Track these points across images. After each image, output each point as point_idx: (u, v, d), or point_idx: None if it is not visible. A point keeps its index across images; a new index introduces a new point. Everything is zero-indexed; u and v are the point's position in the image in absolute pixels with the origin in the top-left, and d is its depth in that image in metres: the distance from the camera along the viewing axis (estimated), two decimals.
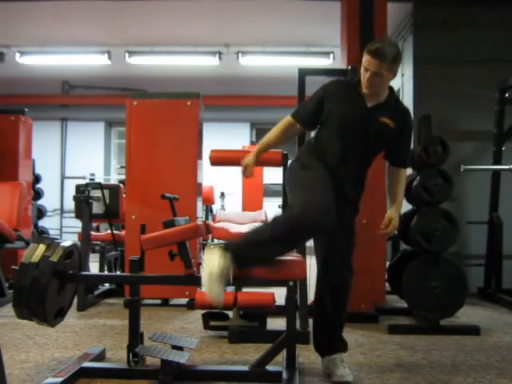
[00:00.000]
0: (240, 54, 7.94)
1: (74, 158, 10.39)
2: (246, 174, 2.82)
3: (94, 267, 5.19)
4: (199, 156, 4.58)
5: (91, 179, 9.21)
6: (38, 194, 7.94)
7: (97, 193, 4.96)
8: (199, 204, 4.62)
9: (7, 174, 5.31)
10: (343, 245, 2.72)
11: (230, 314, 3.53)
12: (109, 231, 5.24)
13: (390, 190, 2.88)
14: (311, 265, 3.08)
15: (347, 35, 4.87)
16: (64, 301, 2.68)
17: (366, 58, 2.55)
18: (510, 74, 4.95)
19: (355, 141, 2.64)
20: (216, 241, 7.31)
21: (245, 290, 3.74)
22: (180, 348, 2.72)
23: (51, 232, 9.23)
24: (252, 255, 2.48)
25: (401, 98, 6.20)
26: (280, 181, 4.02)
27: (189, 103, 4.53)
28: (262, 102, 9.51)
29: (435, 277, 3.73)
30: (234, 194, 8.88)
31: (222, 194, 9.33)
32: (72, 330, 3.65)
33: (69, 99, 10.15)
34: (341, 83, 2.79)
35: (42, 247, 2.54)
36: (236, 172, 4.35)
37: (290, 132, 2.80)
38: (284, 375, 2.55)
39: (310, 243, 3.72)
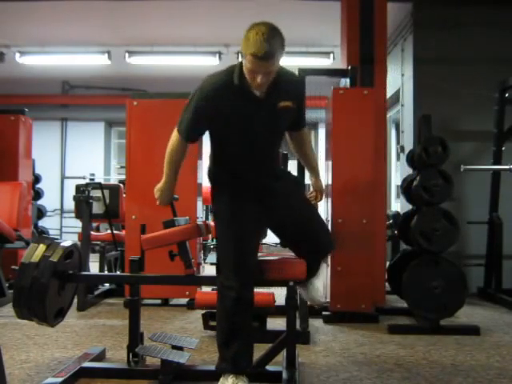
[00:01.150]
0: (240, 54, 7.93)
1: (74, 158, 10.38)
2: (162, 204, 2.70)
3: (94, 267, 5.19)
4: (199, 156, 4.57)
5: (91, 179, 9.20)
6: (37, 194, 7.93)
7: (97, 193, 4.96)
8: (199, 204, 4.62)
9: (7, 174, 5.30)
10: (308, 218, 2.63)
11: None
12: (109, 231, 5.24)
13: (302, 156, 2.81)
14: None
15: (347, 35, 4.88)
16: (64, 301, 2.69)
17: (253, 62, 2.21)
18: (510, 73, 4.95)
19: (264, 141, 2.49)
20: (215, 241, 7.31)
21: None
22: (180, 348, 2.72)
23: (51, 232, 9.22)
24: (240, 350, 2.40)
25: (401, 98, 6.26)
26: None
27: None
28: None
29: (435, 277, 3.73)
30: None
31: None
32: (72, 330, 3.65)
33: (69, 99, 10.14)
34: (219, 86, 2.38)
35: (41, 247, 2.54)
36: None
37: (187, 148, 2.59)
38: (284, 375, 2.55)
39: None
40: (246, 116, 2.40)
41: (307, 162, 2.85)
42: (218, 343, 2.46)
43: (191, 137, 2.55)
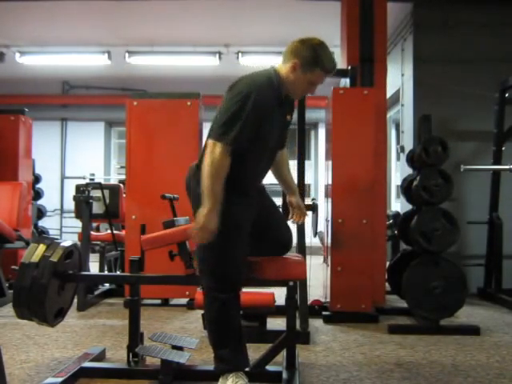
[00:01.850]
0: (240, 54, 7.93)
1: (73, 158, 10.37)
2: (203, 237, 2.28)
3: (94, 267, 5.19)
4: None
5: (91, 179, 9.20)
6: (38, 194, 7.93)
7: (97, 193, 4.96)
8: None
9: (7, 174, 5.30)
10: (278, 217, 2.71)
11: None
12: (109, 231, 5.24)
13: (281, 177, 2.77)
14: (311, 265, 3.08)
15: (347, 35, 4.88)
16: (64, 301, 2.68)
17: (321, 76, 2.36)
18: (510, 73, 4.95)
19: (274, 149, 2.54)
20: None
21: (245, 290, 3.74)
22: (180, 348, 2.73)
23: (51, 232, 9.21)
24: (237, 349, 2.40)
25: (401, 98, 6.26)
26: None
27: (189, 103, 4.53)
28: None
29: (435, 277, 3.73)
30: None
31: None
32: (72, 330, 3.65)
33: (69, 99, 10.13)
34: (270, 88, 2.33)
35: (42, 247, 2.54)
36: None
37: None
38: (284, 375, 2.55)
39: (308, 243, 3.73)
40: (278, 122, 2.41)
41: (287, 182, 2.79)
42: (212, 344, 2.44)
43: (239, 144, 2.26)
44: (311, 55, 2.32)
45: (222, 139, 2.24)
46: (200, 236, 2.26)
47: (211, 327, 2.45)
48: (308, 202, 4.01)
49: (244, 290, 3.71)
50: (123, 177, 5.88)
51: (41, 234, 7.28)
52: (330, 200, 4.12)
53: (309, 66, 2.32)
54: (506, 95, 5.10)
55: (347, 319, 3.98)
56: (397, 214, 5.59)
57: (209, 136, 2.32)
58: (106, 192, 5.10)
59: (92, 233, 5.16)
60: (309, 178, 10.20)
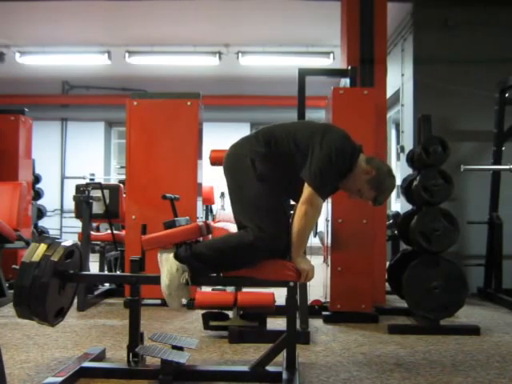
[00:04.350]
0: (240, 54, 7.94)
1: (73, 158, 10.38)
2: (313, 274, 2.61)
3: (94, 267, 5.19)
4: (199, 156, 4.58)
5: (91, 179, 9.20)
6: (38, 194, 7.92)
7: (97, 193, 4.96)
8: (199, 204, 4.62)
9: (7, 174, 5.31)
10: None
11: (230, 314, 3.53)
12: (109, 231, 5.24)
13: None
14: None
15: (347, 35, 4.89)
16: (64, 300, 2.69)
17: (369, 197, 2.66)
18: (509, 73, 4.95)
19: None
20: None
21: (245, 290, 3.74)
22: (180, 348, 2.72)
23: (51, 232, 9.20)
24: (210, 266, 2.54)
25: (401, 98, 6.27)
26: None
27: (189, 103, 4.53)
28: (261, 102, 9.50)
29: (435, 277, 3.73)
30: None
31: (222, 194, 9.30)
32: (72, 330, 3.65)
33: (69, 99, 10.14)
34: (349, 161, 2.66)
35: (42, 247, 2.54)
36: None
37: None
38: (284, 375, 2.55)
39: (308, 243, 3.73)
40: None
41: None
42: (211, 258, 2.52)
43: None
44: (383, 184, 2.64)
45: (322, 195, 2.51)
46: (311, 275, 2.56)
47: (229, 253, 2.51)
48: None
49: (244, 289, 3.73)
50: (123, 177, 5.88)
51: (41, 234, 7.28)
52: (329, 200, 4.12)
53: (374, 185, 2.62)
54: (506, 95, 5.11)
55: (347, 319, 3.98)
56: (397, 214, 5.59)
57: (309, 178, 2.49)
58: (106, 192, 5.10)
59: (92, 233, 5.16)
60: None
